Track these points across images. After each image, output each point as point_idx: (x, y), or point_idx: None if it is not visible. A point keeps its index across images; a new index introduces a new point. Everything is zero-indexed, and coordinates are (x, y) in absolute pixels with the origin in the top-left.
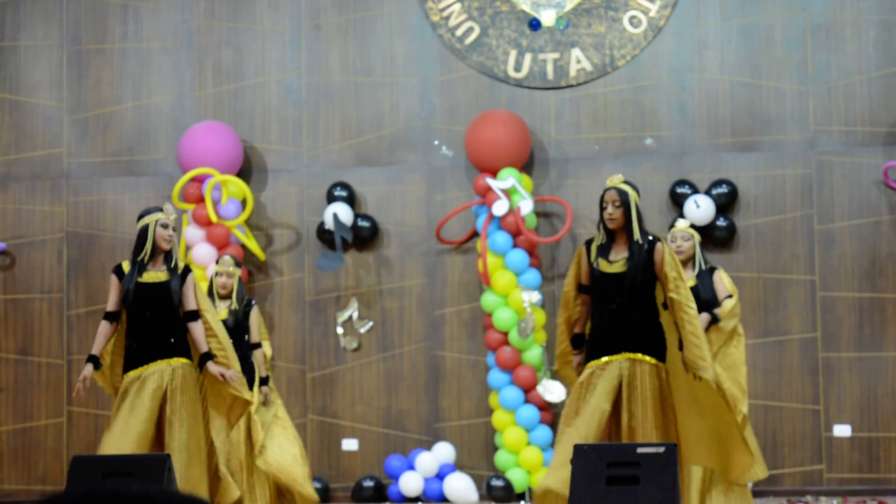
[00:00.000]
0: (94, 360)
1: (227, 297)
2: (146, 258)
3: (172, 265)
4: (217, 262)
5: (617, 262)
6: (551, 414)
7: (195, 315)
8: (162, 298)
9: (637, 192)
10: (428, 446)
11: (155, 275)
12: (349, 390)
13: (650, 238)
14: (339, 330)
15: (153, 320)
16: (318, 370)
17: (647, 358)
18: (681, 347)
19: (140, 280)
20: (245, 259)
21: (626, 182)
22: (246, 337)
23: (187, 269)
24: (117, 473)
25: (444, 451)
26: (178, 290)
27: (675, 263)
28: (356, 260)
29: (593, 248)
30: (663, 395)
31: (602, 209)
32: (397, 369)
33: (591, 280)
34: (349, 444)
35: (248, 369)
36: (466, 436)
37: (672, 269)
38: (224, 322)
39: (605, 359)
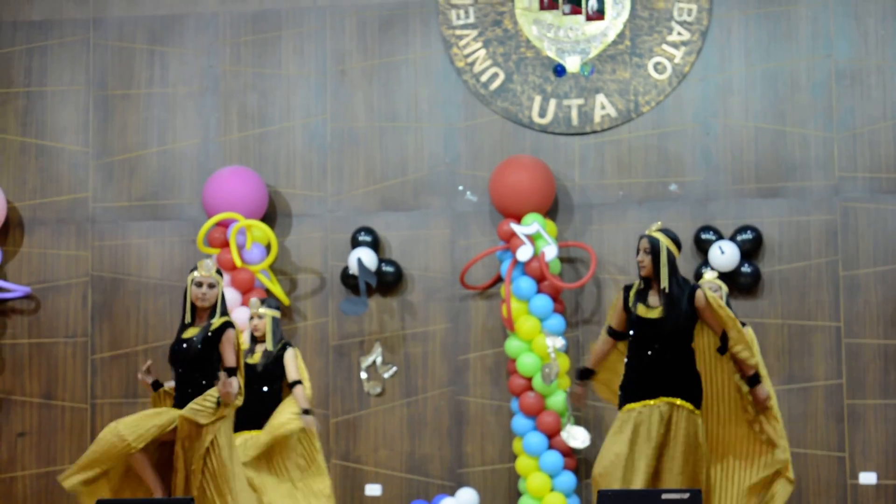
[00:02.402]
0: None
1: (262, 339)
2: (187, 317)
3: (209, 322)
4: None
5: (655, 308)
6: (575, 460)
7: (232, 372)
8: (186, 354)
9: (674, 240)
10: (451, 492)
11: (193, 331)
12: (372, 435)
13: (690, 285)
14: (363, 375)
15: (182, 376)
16: (341, 415)
17: (686, 404)
18: (751, 383)
19: (181, 337)
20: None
21: (663, 230)
22: (275, 381)
23: (224, 326)
24: None
25: (467, 497)
26: (198, 345)
27: (721, 303)
28: (380, 305)
29: (632, 293)
30: (697, 441)
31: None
32: (421, 414)
33: (628, 324)
34: (372, 490)
35: (265, 411)
36: (490, 481)
37: (722, 309)
38: (254, 366)
39: (643, 402)
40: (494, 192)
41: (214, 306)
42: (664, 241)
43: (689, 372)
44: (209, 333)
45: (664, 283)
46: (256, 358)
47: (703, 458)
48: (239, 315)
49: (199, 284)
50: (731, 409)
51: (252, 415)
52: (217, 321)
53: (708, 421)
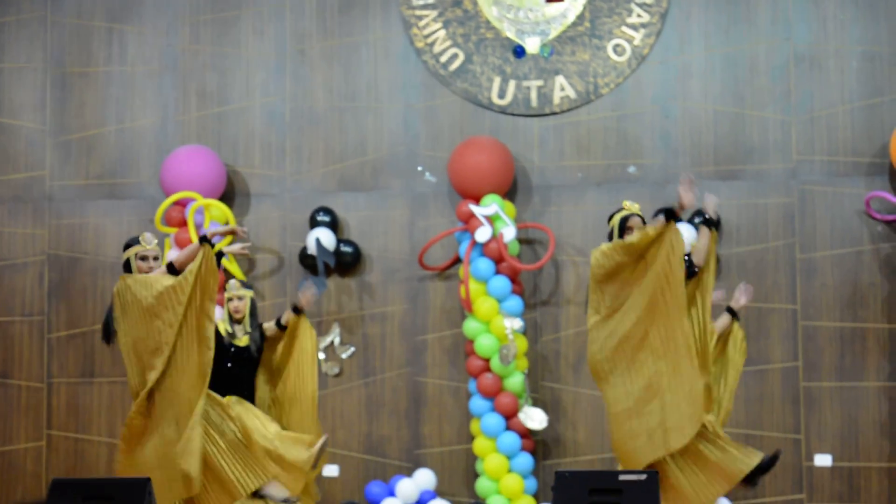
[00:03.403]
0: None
1: (241, 321)
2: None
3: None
4: (224, 289)
5: None
6: (532, 441)
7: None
8: None
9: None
10: (409, 473)
11: None
12: (330, 416)
13: None
14: (321, 355)
15: None
16: None
17: None
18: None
19: None
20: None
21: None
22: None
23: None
24: (97, 497)
25: (424, 478)
26: None
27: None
28: (338, 285)
29: None
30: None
31: (623, 233)
32: (378, 395)
33: None
34: (330, 470)
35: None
36: (447, 462)
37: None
38: (247, 349)
39: None
40: (453, 172)
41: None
42: None
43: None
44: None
45: None
46: (245, 340)
47: None
48: None
49: (144, 258)
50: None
51: (248, 397)
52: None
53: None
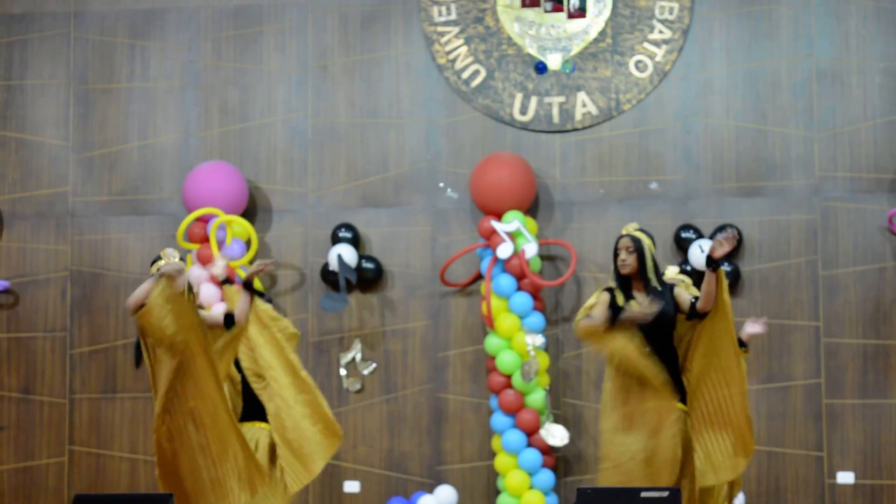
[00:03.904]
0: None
1: None
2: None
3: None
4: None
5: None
6: (554, 458)
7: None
8: None
9: (652, 240)
10: (430, 489)
11: None
12: (351, 432)
13: (667, 283)
14: (342, 371)
15: None
16: None
17: (682, 405)
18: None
19: None
20: None
21: (640, 230)
22: None
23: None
24: None
25: (445, 494)
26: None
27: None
28: (360, 301)
29: (618, 293)
30: (686, 440)
31: (615, 256)
32: (400, 411)
33: None
34: (351, 486)
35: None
36: (468, 479)
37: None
38: None
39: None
40: (475, 189)
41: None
42: (646, 241)
43: (677, 368)
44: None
45: (654, 281)
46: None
47: (690, 456)
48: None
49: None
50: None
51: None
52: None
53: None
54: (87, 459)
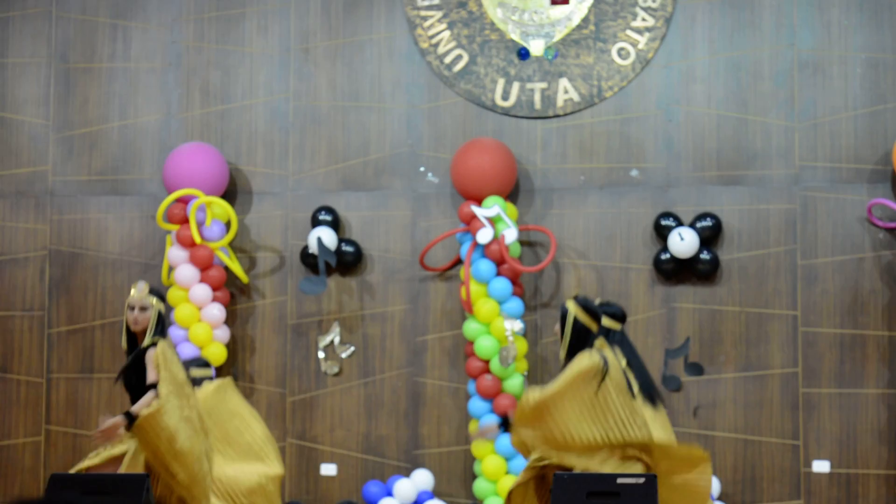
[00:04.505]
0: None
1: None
2: (123, 343)
3: (138, 348)
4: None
5: None
6: None
7: (152, 386)
8: (124, 382)
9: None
10: (407, 473)
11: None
12: (329, 415)
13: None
14: (321, 354)
15: (131, 402)
16: (298, 394)
17: None
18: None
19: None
20: (228, 281)
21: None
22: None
23: (148, 346)
24: (96, 492)
25: (422, 478)
26: (127, 372)
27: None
28: (339, 284)
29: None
30: None
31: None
32: (378, 395)
33: None
34: (328, 469)
35: None
36: (445, 463)
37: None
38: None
39: None
40: (456, 173)
41: (150, 330)
42: (573, 310)
43: None
44: (135, 359)
45: (562, 353)
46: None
47: None
48: (206, 304)
49: (131, 308)
50: None
51: None
52: (146, 343)
53: None
54: (63, 439)
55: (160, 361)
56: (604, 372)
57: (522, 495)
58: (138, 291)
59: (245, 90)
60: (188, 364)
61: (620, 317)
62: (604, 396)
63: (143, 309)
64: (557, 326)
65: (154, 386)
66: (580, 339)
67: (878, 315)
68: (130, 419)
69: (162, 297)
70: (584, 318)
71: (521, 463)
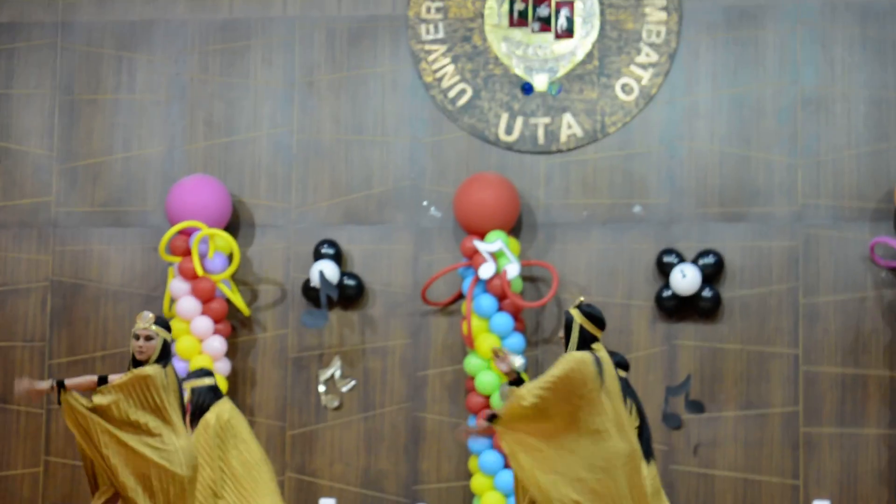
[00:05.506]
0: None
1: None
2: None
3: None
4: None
5: None
6: None
7: (103, 381)
8: None
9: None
10: None
11: None
12: (329, 449)
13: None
14: (321, 388)
15: None
16: (298, 427)
17: None
18: None
19: None
20: (229, 314)
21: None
22: None
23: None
24: None
25: None
26: None
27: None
28: (341, 318)
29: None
30: None
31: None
32: (378, 429)
33: None
34: None
35: None
36: (445, 499)
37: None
38: None
39: None
40: (459, 208)
41: (153, 358)
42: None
43: None
44: None
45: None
46: None
47: None
48: (207, 336)
49: (137, 337)
50: None
51: None
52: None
53: None
54: (62, 471)
55: (155, 385)
56: (596, 372)
57: None
58: (144, 321)
59: (249, 123)
60: (191, 376)
61: (624, 366)
62: (594, 400)
63: (149, 338)
64: (562, 333)
65: (105, 380)
66: (585, 347)
67: (880, 355)
68: (61, 386)
69: (167, 327)
70: (589, 326)
71: None
